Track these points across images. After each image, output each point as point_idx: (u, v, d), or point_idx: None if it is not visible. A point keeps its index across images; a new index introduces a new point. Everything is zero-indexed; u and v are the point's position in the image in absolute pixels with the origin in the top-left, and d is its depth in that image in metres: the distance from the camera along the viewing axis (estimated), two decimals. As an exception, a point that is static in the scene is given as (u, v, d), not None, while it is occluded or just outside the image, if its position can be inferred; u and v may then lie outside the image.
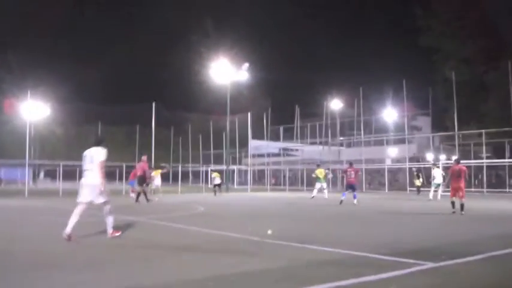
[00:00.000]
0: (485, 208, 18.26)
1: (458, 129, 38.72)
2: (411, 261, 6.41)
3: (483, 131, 37.85)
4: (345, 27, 74.86)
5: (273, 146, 55.04)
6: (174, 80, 66.81)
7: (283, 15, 73.74)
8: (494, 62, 41.00)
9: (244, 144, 51.66)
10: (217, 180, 30.73)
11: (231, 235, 9.48)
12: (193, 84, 58.28)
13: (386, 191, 40.02)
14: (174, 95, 65.66)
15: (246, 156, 53.15)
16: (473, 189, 33.43)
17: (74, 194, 9.18)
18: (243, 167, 51.27)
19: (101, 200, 8.90)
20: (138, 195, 21.16)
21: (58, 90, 51.26)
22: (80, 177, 9.14)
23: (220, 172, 33.11)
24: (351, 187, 21.08)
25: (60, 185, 29.38)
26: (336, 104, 48.55)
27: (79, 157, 9.41)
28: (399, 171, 43.63)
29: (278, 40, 71.45)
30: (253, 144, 51.80)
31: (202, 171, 47.44)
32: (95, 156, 8.95)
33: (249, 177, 44.57)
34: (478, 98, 43.59)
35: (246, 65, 39.31)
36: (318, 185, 26.66)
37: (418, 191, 31.85)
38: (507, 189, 34.17)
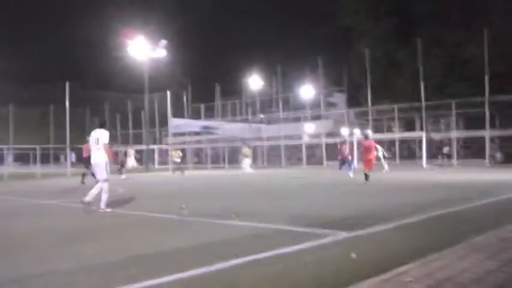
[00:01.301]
0: (398, 179, 19.21)
1: (372, 105, 40.31)
2: (326, 231, 6.69)
3: (395, 106, 39.63)
4: (262, 4, 75.04)
5: (194, 125, 54.51)
6: (88, 58, 64.10)
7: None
8: (406, 40, 42.80)
9: (164, 123, 50.91)
10: (177, 159, 30.68)
11: (148, 215, 9.43)
12: (109, 62, 56.38)
13: (304, 165, 41.07)
14: (89, 74, 63.20)
15: (167, 136, 52.49)
16: (386, 162, 34.98)
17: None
18: (163, 147, 50.58)
19: (101, 176, 10.21)
20: (83, 176, 20.66)
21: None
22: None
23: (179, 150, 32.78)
24: (344, 162, 21.15)
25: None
26: (255, 82, 48.86)
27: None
28: (316, 146, 44.85)
29: (196, 17, 70.45)
30: (173, 123, 51.05)
31: (120, 152, 46.11)
32: (100, 138, 10.27)
33: (170, 156, 44.00)
34: (390, 74, 45.42)
35: (164, 42, 38.49)
36: (246, 161, 27.61)
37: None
38: (417, 161, 36.09)
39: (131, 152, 29.72)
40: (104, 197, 10.09)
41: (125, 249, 5.96)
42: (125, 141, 53.11)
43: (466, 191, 13.50)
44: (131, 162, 28.73)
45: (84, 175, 20.69)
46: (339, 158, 21.93)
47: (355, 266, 4.74)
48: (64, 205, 11.91)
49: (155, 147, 50.00)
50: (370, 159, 17.41)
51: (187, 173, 30.05)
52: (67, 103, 31.80)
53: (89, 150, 21.03)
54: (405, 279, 3.96)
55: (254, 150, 43.99)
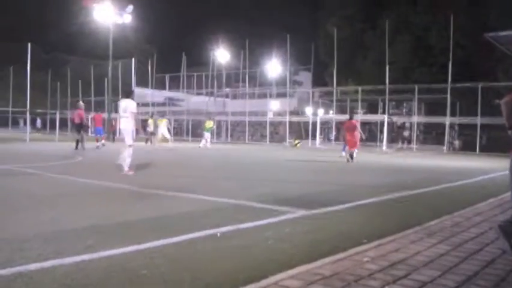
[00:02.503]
0: (359, 161, 19.45)
1: (337, 85, 40.59)
2: (286, 209, 6.77)
3: (359, 87, 40.03)
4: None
5: (158, 95, 53.85)
6: (52, 21, 62.19)
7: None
8: (373, 21, 43.08)
9: (127, 91, 50.07)
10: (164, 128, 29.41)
11: (109, 185, 9.32)
12: (73, 26, 54.92)
13: (268, 142, 41.25)
14: (52, 37, 61.42)
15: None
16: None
17: None
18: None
19: (128, 142, 11.29)
20: (77, 143, 21.07)
21: None
22: None
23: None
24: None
25: None
26: (222, 55, 48.46)
27: None
28: (280, 124, 45.04)
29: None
30: (137, 92, 50.27)
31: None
32: (128, 107, 11.35)
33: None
34: (356, 55, 45.73)
35: (130, 7, 37.59)
36: (206, 135, 27.91)
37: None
38: (378, 143, 36.72)
39: (161, 123, 29.11)
40: (128, 161, 11.19)
41: (84, 218, 5.89)
42: (87, 108, 52.11)
43: (423, 175, 13.84)
44: (161, 132, 28.36)
45: (78, 142, 20.78)
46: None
47: (312, 243, 4.82)
48: (21, 170, 11.65)
49: (118, 116, 49.20)
50: (354, 139, 18.43)
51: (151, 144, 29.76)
52: (28, 65, 30.77)
53: (81, 117, 21.34)
54: (362, 259, 4.06)
55: (218, 124, 43.98)
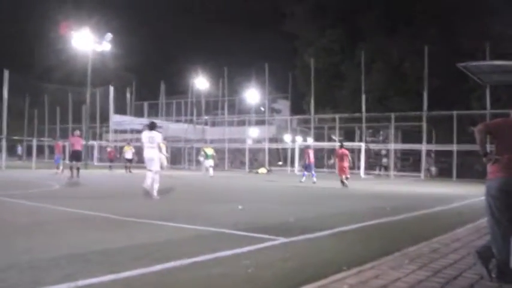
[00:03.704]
0: (337, 187, 19.58)
1: (314, 113, 40.98)
2: (265, 236, 6.76)
3: (337, 115, 40.45)
4: (211, 5, 74.88)
5: (137, 122, 53.53)
6: (29, 48, 61.75)
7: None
8: (349, 51, 43.83)
9: (105, 119, 49.80)
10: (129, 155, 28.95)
11: (89, 213, 9.19)
12: (51, 53, 54.61)
13: (247, 169, 41.24)
14: (30, 64, 60.91)
15: (108, 132, 51.37)
16: (326, 170, 35.73)
17: None
18: (103, 143, 49.45)
19: (154, 168, 12.35)
20: (77, 170, 20.43)
21: None
22: None
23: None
24: (309, 167, 22.76)
25: None
26: (201, 83, 48.66)
27: None
28: (259, 151, 45.12)
29: (144, 13, 69.48)
30: (115, 119, 50.12)
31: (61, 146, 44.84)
32: (155, 138, 12.56)
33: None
34: (333, 84, 46.33)
35: (109, 35, 37.58)
36: (207, 163, 26.87)
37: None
38: (356, 171, 36.96)
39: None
40: (155, 186, 12.18)
41: (62, 247, 5.80)
42: (64, 136, 51.58)
43: (401, 202, 13.95)
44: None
45: (78, 169, 20.21)
46: (306, 162, 23.10)
47: (292, 271, 4.81)
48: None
49: (95, 143, 48.73)
50: (344, 166, 19.95)
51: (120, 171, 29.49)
52: (6, 92, 30.43)
53: (74, 144, 20.92)
54: (341, 286, 4.06)
55: (197, 151, 43.88)
